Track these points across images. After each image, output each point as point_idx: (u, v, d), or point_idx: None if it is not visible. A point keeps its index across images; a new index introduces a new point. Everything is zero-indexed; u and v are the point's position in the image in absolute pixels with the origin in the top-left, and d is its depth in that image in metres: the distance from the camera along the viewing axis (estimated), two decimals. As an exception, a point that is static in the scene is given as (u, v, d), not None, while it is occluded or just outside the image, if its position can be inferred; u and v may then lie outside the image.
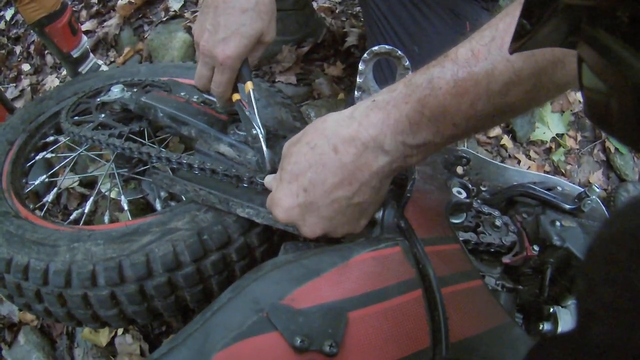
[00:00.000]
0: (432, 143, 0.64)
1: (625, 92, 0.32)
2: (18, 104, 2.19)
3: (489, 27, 0.63)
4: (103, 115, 1.24)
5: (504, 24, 0.61)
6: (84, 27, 2.28)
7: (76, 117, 1.27)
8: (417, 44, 1.31)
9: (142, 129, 1.22)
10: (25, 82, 2.34)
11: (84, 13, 2.49)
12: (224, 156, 1.03)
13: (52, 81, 2.33)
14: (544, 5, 0.38)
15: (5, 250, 0.94)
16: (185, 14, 2.02)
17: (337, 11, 2.08)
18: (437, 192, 0.85)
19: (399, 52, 0.82)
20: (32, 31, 2.08)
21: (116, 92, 1.25)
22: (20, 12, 1.89)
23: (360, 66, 0.83)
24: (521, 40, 0.43)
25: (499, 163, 1.06)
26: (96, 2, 2.47)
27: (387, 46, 0.83)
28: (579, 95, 2.04)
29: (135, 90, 1.26)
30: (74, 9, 2.50)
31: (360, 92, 0.85)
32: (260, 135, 0.93)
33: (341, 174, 0.65)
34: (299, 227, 0.72)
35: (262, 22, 0.89)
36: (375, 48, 0.82)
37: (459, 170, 0.98)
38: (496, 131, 1.87)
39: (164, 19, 2.04)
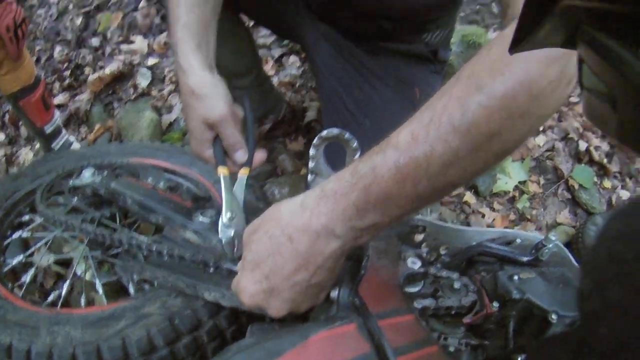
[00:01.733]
0: (380, 224, 0.70)
1: (626, 93, 0.33)
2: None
3: (427, 108, 0.68)
4: (75, 198, 1.34)
5: (441, 104, 0.66)
6: (56, 100, 2.41)
7: (50, 199, 1.37)
8: (369, 117, 1.37)
9: (113, 213, 1.34)
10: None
11: (56, 85, 2.64)
12: (190, 242, 1.15)
13: (26, 153, 2.44)
14: (543, 6, 0.39)
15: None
16: (153, 92, 2.17)
17: (297, 85, 2.21)
18: (391, 266, 0.90)
19: (347, 134, 0.89)
20: (7, 102, 2.17)
21: (87, 176, 1.36)
22: None
23: (311, 151, 0.91)
24: (521, 42, 0.44)
25: (456, 226, 1.11)
26: (68, 75, 2.62)
27: (334, 130, 0.90)
28: (538, 140, 2.16)
29: (105, 174, 1.37)
30: (47, 80, 2.64)
31: (313, 176, 0.91)
32: (222, 225, 1.01)
33: (298, 260, 0.72)
34: (264, 310, 0.78)
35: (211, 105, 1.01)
36: (324, 133, 0.89)
37: (417, 238, 1.02)
38: (458, 189, 1.93)
39: (133, 97, 2.19)
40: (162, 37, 2.51)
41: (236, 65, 1.64)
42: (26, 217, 1.46)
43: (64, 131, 2.13)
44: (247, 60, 1.72)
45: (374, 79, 1.41)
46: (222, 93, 1.02)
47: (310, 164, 0.91)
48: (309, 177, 0.92)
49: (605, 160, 2.12)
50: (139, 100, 2.16)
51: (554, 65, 0.66)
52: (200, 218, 1.16)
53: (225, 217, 1.01)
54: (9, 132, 2.63)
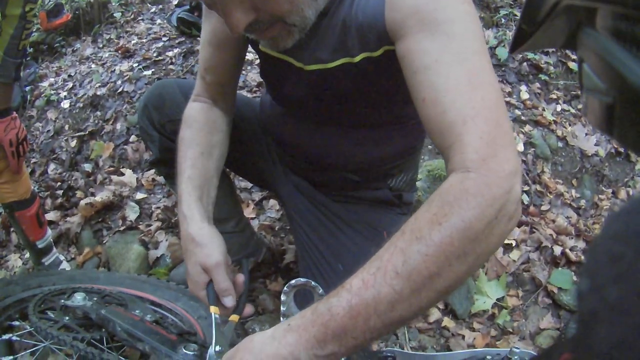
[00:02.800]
0: (339, 352, 0.79)
1: (626, 92, 0.33)
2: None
3: (376, 258, 0.81)
4: (67, 317, 1.48)
5: (387, 254, 0.79)
6: (48, 217, 2.62)
7: (42, 312, 1.50)
8: (341, 262, 1.47)
9: (102, 336, 1.45)
10: (-12, 253, 2.61)
11: (48, 201, 2.88)
12: None
13: (15, 260, 2.63)
14: (544, 7, 0.40)
15: None
16: (140, 226, 2.41)
17: (276, 228, 2.37)
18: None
19: (312, 283, 1.03)
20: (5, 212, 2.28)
21: (79, 299, 1.51)
22: None
23: (282, 297, 1.03)
24: (522, 43, 0.46)
25: (425, 353, 1.18)
26: (61, 195, 2.87)
27: (302, 279, 1.03)
28: (512, 256, 2.24)
29: (95, 299, 1.52)
30: (40, 194, 2.86)
31: (284, 319, 1.01)
32: (210, 356, 1.11)
33: None
34: None
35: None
36: (293, 282, 1.03)
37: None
38: (435, 315, 1.99)
39: (122, 228, 2.42)
40: (150, 174, 2.79)
41: (219, 212, 1.79)
42: (16, 323, 1.58)
43: (54, 249, 2.31)
44: (229, 208, 1.86)
45: (344, 226, 1.54)
46: (217, 243, 1.19)
47: (282, 308, 1.04)
48: (282, 319, 1.03)
49: (583, 257, 2.21)
50: (127, 232, 2.39)
51: (491, 207, 0.78)
52: (184, 351, 1.28)
53: (213, 348, 1.13)
54: None
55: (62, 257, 2.36)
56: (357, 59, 1.14)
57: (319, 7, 1.06)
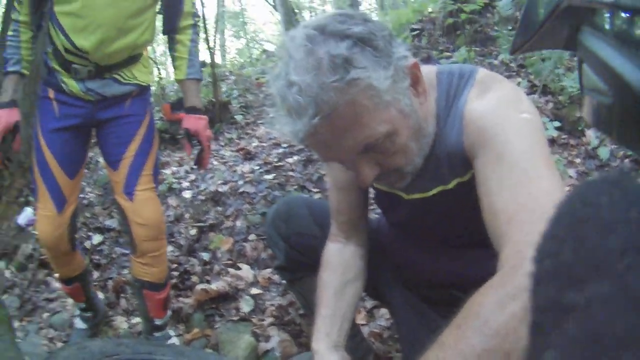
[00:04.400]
0: None
1: (626, 93, 0.34)
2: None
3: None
4: None
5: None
6: None
7: None
8: None
9: None
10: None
11: None
12: None
13: (120, 322, 2.83)
14: (545, 9, 0.42)
15: None
16: (253, 319, 2.58)
17: (384, 336, 2.44)
18: None
19: None
20: (133, 284, 2.51)
21: None
22: (131, 262, 2.34)
23: None
24: (523, 45, 0.47)
25: None
26: (176, 276, 3.11)
27: None
28: None
29: None
30: None
31: None
32: None
33: None
34: None
35: None
36: None
37: None
38: None
39: (235, 318, 2.61)
40: (267, 272, 3.01)
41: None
42: None
43: (167, 327, 2.52)
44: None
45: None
46: None
47: None
48: None
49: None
50: (240, 322, 2.57)
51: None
52: None
53: None
54: (107, 296, 3.07)
55: (172, 333, 2.53)
56: (451, 185, 1.31)
57: (425, 154, 1.25)
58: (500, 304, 0.84)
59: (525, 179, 1.02)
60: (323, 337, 1.42)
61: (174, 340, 2.51)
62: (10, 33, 2.18)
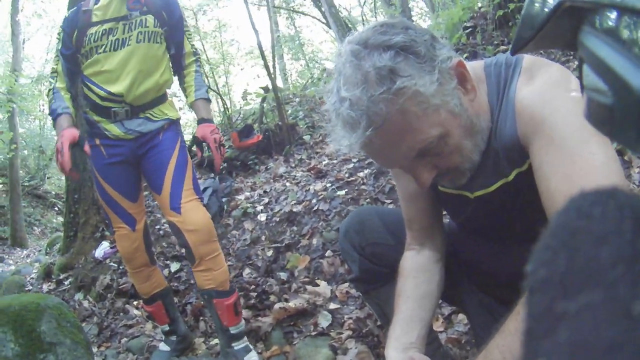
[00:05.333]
0: None
1: (626, 93, 0.35)
2: None
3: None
4: None
5: None
6: (245, 315, 2.92)
7: None
8: None
9: None
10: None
11: (241, 301, 3.12)
12: None
13: (199, 344, 2.94)
14: (545, 9, 0.42)
15: None
16: (332, 333, 2.58)
17: (462, 342, 2.41)
18: None
19: None
20: (200, 296, 2.76)
21: None
22: (194, 276, 2.58)
23: None
24: (523, 45, 0.47)
25: None
26: (254, 297, 3.18)
27: None
28: None
29: None
30: None
31: None
32: None
33: None
34: None
35: None
36: None
37: None
38: None
39: (312, 333, 2.61)
40: (344, 286, 3.02)
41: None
42: None
43: (245, 338, 2.60)
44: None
45: None
46: None
47: None
48: None
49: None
50: (318, 337, 2.57)
51: None
52: None
53: None
54: (187, 320, 3.19)
55: (251, 348, 2.62)
56: (511, 177, 1.29)
57: (481, 149, 1.25)
58: None
59: (578, 158, 1.02)
60: (393, 342, 1.42)
61: (254, 355, 2.58)
62: (50, 96, 2.65)
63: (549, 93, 1.14)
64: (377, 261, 1.77)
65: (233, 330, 2.57)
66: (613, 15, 0.37)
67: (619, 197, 0.35)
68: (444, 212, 1.69)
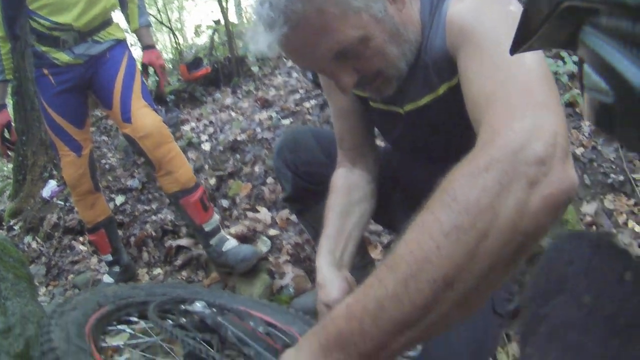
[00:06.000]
0: None
1: (626, 93, 0.35)
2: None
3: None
4: (184, 319, 1.63)
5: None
6: (181, 243, 3.05)
7: (162, 313, 1.69)
8: None
9: (212, 340, 1.56)
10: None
11: (184, 230, 3.26)
12: None
13: (143, 275, 2.99)
14: (545, 7, 0.42)
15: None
16: (270, 258, 2.63)
17: None
18: None
19: None
20: (171, 202, 2.89)
21: (199, 306, 1.68)
22: (159, 182, 2.68)
23: None
24: (523, 44, 0.47)
25: None
26: None
27: None
28: None
29: (214, 310, 1.68)
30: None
31: None
32: None
33: None
34: None
35: None
36: None
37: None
38: None
39: None
40: (285, 213, 3.04)
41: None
42: (133, 319, 1.78)
43: (222, 231, 2.68)
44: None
45: None
46: (338, 284, 1.34)
47: None
48: None
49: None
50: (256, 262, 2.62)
51: (486, 172, 0.77)
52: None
53: None
54: (130, 252, 3.23)
55: (228, 237, 2.71)
56: (440, 91, 1.31)
57: (408, 60, 1.25)
58: (471, 177, 0.77)
59: (506, 61, 0.95)
60: (325, 254, 1.43)
61: (232, 243, 2.69)
62: None
63: (484, 7, 1.12)
64: (310, 180, 1.78)
65: (207, 228, 2.65)
66: (613, 14, 0.36)
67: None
68: (377, 133, 1.70)
